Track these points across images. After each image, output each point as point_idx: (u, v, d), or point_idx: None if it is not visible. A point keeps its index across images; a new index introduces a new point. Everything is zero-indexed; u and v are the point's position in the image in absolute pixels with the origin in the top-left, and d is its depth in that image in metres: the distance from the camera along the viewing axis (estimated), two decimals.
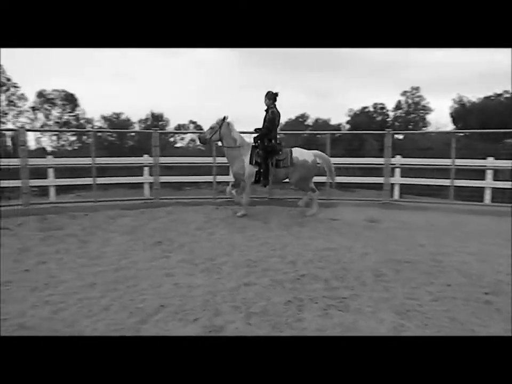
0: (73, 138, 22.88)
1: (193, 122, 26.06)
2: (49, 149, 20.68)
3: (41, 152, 15.99)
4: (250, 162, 6.56)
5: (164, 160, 8.49)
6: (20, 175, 7.25)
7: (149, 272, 4.03)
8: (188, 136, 23.44)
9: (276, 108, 6.59)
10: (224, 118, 6.65)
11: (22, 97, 21.62)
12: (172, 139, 23.59)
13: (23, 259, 4.46)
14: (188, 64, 41.00)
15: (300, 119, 27.80)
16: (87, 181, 8.25)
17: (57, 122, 23.46)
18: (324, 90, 38.13)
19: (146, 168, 9.06)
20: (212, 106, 32.62)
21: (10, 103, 20.99)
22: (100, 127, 23.11)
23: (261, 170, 6.53)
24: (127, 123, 24.16)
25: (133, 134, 22.34)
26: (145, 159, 8.90)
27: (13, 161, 7.51)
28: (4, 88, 21.07)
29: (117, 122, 23.65)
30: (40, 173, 8.88)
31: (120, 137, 21.19)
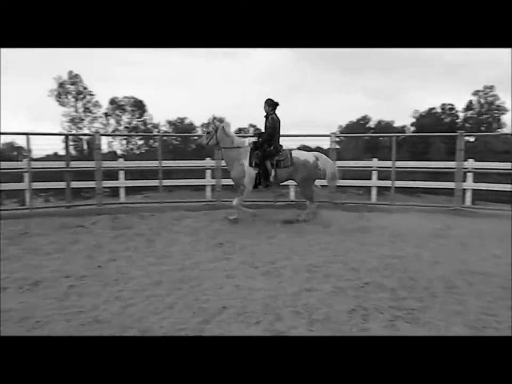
0: (141, 142, 24.15)
1: (253, 126, 26.35)
2: (119, 152, 22.01)
3: (112, 155, 17.08)
4: (250, 165, 6.53)
5: (225, 163, 8.64)
6: (95, 176, 7.78)
7: (211, 273, 4.12)
8: (248, 139, 23.82)
9: (275, 114, 6.58)
10: (213, 119, 6.64)
11: (97, 104, 23.25)
12: None
13: (96, 255, 4.76)
14: (248, 67, 41.58)
15: (361, 122, 26.99)
16: (154, 182, 8.66)
17: (126, 127, 24.90)
18: (387, 92, 36.66)
19: (208, 171, 9.30)
20: None
21: (86, 110, 22.65)
22: (166, 132, 24.19)
23: (261, 172, 6.50)
24: (190, 127, 25.05)
25: (196, 137, 23.07)
26: (208, 162, 9.14)
27: (89, 164, 8.09)
28: (81, 96, 22.76)
29: (181, 127, 24.62)
30: (111, 174, 9.47)
31: (184, 141, 22.00)
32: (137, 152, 23.21)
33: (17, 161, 10.95)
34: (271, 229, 6.14)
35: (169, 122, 25.13)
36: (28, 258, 4.59)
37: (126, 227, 6.24)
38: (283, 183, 7.03)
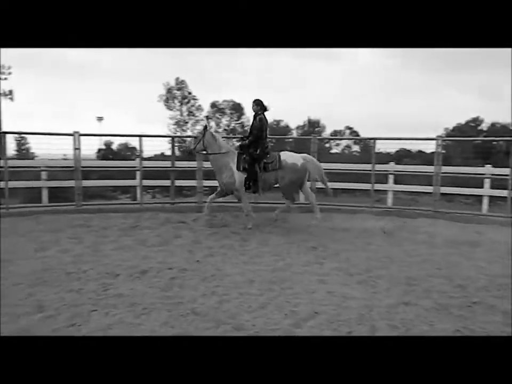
0: (237, 143, 25.05)
1: (350, 128, 25.69)
2: None
3: None
4: (238, 169, 6.27)
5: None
6: (196, 175, 8.29)
7: (302, 277, 4.10)
8: (344, 142, 23.22)
9: (264, 115, 6.25)
10: (206, 126, 6.52)
11: (199, 108, 24.73)
12: (327, 145, 23.71)
13: (195, 250, 5.05)
14: (344, 69, 40.49)
15: (471, 124, 24.57)
16: None
17: (225, 130, 26.05)
18: (502, 91, 32.58)
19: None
20: (368, 111, 31.56)
21: (190, 113, 24.22)
22: None
23: (249, 177, 6.22)
24: (286, 130, 25.31)
25: (290, 139, 23.26)
26: None
27: (191, 164, 8.65)
28: (186, 100, 24.40)
29: (276, 129, 25.00)
30: (209, 174, 9.97)
31: (279, 142, 22.30)
32: None
33: (131, 160, 12.21)
34: (367, 236, 5.91)
35: None
36: (138, 249, 5.06)
37: (222, 225, 6.55)
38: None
